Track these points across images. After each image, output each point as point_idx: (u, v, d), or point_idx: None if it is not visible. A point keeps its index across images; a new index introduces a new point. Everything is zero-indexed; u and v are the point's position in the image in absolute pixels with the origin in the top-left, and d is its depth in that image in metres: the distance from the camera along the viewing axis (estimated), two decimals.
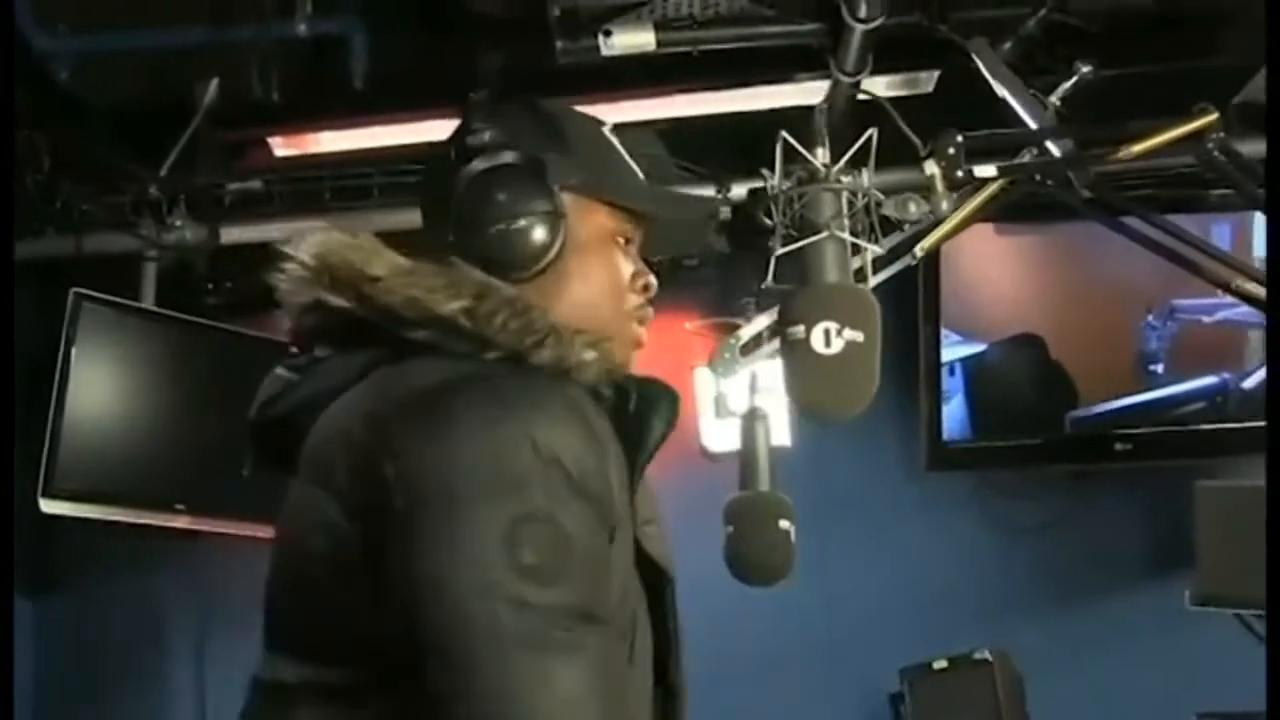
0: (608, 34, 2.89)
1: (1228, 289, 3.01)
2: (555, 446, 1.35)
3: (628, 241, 1.63)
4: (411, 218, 3.73)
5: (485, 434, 1.35)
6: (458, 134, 1.61)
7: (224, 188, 3.40)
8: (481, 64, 3.17)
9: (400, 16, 3.14)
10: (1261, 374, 3.78)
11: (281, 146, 3.21)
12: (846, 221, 2.25)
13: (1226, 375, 3.80)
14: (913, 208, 2.30)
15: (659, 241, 1.71)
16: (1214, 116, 2.61)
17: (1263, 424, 3.74)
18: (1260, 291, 3.07)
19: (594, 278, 1.59)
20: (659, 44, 2.92)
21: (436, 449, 1.35)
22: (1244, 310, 3.38)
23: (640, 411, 1.50)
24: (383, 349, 1.48)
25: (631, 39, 2.91)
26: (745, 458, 3.00)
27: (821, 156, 2.29)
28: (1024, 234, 3.66)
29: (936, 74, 3.14)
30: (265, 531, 3.77)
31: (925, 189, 2.39)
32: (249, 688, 1.46)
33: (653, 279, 1.63)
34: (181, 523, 3.27)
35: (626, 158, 1.68)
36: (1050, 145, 2.48)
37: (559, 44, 2.92)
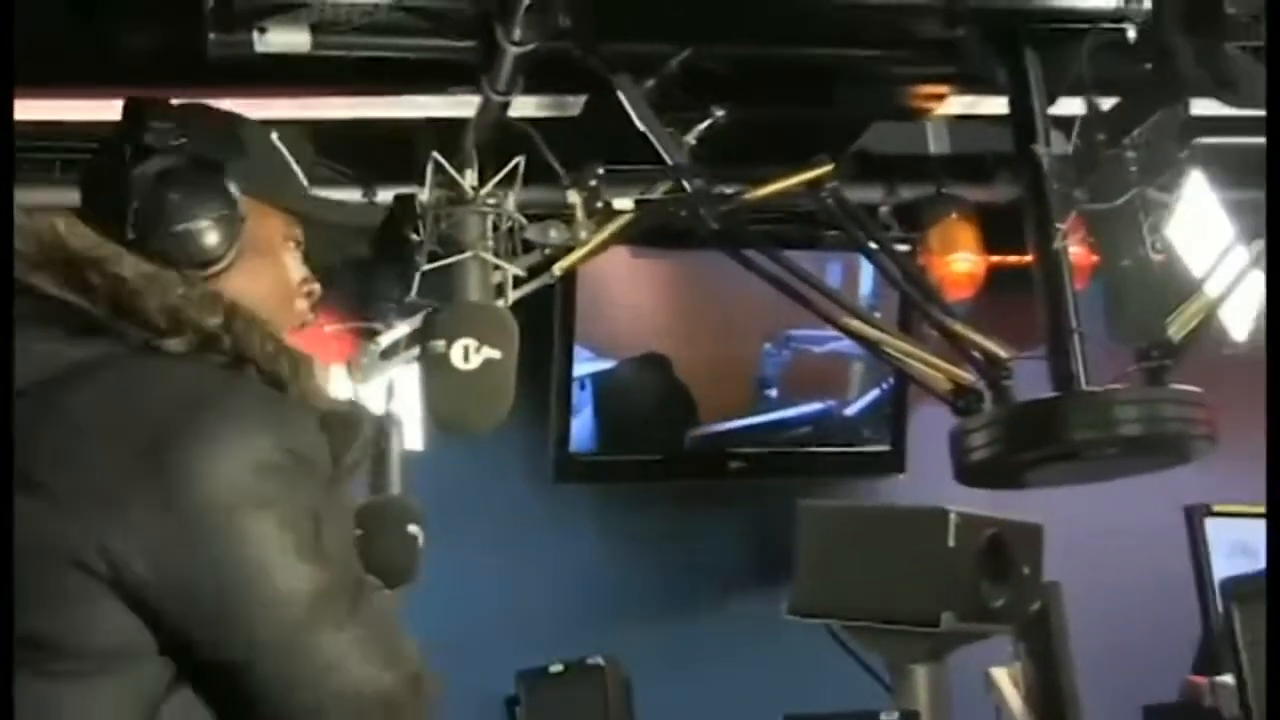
0: (263, 31, 2.93)
1: (835, 324, 3.31)
2: (301, 448, 1.46)
3: (297, 245, 1.70)
4: (43, 196, 3.57)
5: (243, 445, 1.43)
6: (134, 129, 1.64)
7: None
8: (128, 44, 3.10)
9: None
10: (861, 403, 4.14)
11: None
12: (490, 242, 2.38)
13: (832, 402, 4.12)
14: (553, 233, 2.47)
15: (320, 246, 1.78)
16: (829, 167, 2.91)
17: (859, 449, 4.16)
18: (864, 329, 3.39)
19: (266, 278, 1.66)
20: (314, 46, 2.96)
21: (201, 465, 1.41)
22: (849, 343, 3.63)
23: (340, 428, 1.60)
24: (109, 343, 1.50)
25: (287, 38, 2.96)
26: (377, 462, 3.08)
27: (470, 179, 2.41)
28: (658, 258, 3.82)
29: (584, 98, 3.26)
30: None
31: (566, 211, 2.55)
32: None
33: (317, 285, 1.71)
34: None
35: (294, 164, 1.74)
36: (684, 182, 2.68)
37: (212, 35, 2.92)
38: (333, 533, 1.50)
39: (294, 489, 1.46)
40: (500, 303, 2.42)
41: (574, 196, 2.46)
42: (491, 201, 2.39)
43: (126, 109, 1.69)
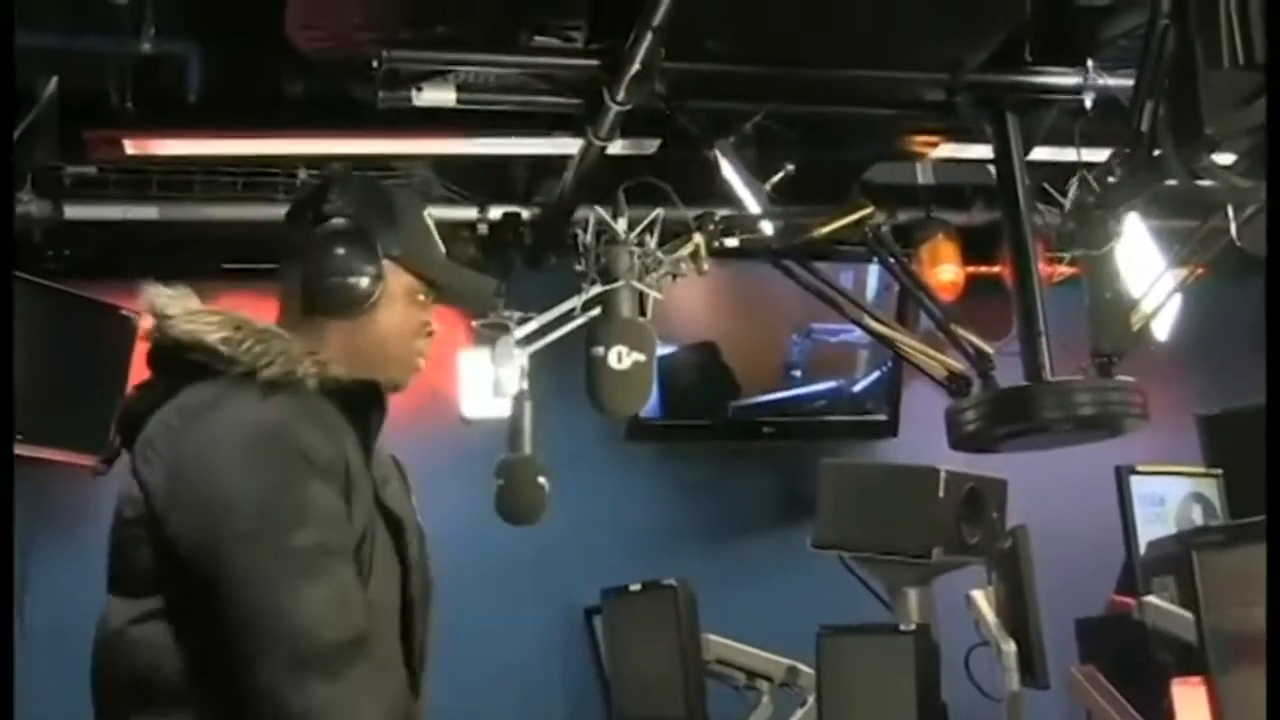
0: (419, 89, 3.26)
1: (854, 321, 3.68)
2: (296, 439, 1.65)
3: (426, 296, 1.87)
4: (225, 211, 3.92)
5: (245, 436, 1.64)
6: (317, 199, 1.86)
7: (63, 170, 3.51)
8: (287, 91, 3.41)
9: (231, 42, 3.32)
10: (865, 382, 4.41)
11: (132, 147, 3.40)
12: (635, 271, 2.74)
13: (842, 381, 4.40)
14: (683, 266, 2.83)
15: (452, 300, 1.97)
16: (870, 209, 3.24)
17: (864, 418, 4.41)
18: (875, 325, 3.75)
19: (396, 322, 1.83)
20: (458, 101, 3.31)
21: (208, 451, 1.64)
22: (857, 334, 4.00)
23: (358, 405, 1.77)
24: (181, 374, 1.74)
25: (437, 95, 3.30)
26: (514, 427, 3.34)
27: (621, 224, 2.78)
28: (710, 267, 3.61)
29: (658, 141, 3.61)
30: (85, 460, 3.84)
31: (680, 236, 2.83)
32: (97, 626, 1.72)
33: (435, 327, 1.89)
34: (21, 450, 3.35)
35: (436, 235, 1.91)
36: (766, 226, 3.08)
37: (380, 93, 3.24)
38: (313, 509, 1.63)
39: (281, 474, 1.62)
40: (643, 318, 2.63)
41: (699, 237, 2.73)
42: (636, 242, 2.74)
43: (318, 182, 1.91)
